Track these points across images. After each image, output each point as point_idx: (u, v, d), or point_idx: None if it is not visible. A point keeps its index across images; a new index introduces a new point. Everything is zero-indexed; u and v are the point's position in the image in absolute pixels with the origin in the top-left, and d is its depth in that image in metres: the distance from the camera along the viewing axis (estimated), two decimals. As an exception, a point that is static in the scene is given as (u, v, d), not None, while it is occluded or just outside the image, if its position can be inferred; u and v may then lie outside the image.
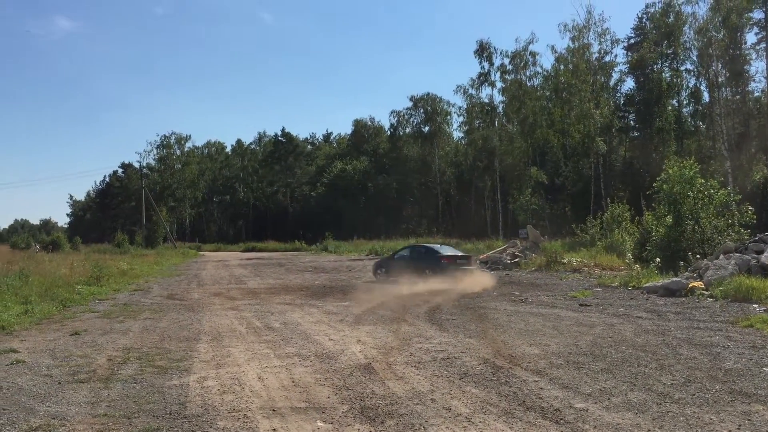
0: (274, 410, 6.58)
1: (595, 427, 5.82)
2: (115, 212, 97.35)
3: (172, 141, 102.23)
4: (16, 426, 6.18)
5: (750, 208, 22.73)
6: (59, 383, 7.98)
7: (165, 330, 12.47)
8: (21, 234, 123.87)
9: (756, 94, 53.56)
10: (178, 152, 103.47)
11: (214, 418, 6.33)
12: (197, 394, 7.32)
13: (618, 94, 58.85)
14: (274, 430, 5.96)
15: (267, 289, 22.12)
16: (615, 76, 56.80)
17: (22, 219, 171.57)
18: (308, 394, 7.22)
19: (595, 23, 52.61)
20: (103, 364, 9.14)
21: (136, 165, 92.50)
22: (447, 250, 23.96)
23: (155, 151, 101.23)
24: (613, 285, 19.98)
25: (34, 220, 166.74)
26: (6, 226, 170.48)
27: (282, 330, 12.19)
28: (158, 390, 7.53)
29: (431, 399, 6.88)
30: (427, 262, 22.67)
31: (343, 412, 6.47)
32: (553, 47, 58.48)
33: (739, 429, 5.70)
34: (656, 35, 53.03)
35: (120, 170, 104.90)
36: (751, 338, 10.00)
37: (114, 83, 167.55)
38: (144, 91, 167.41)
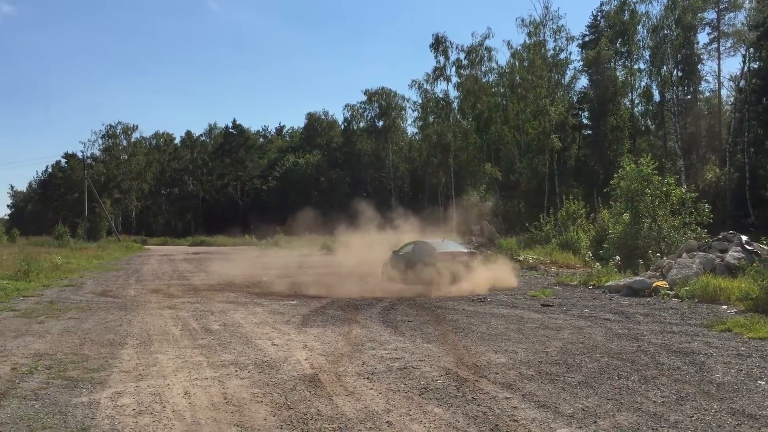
0: (197, 438, 5.45)
1: (584, 459, 4.87)
2: (58, 204, 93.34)
3: (118, 131, 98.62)
4: None
5: (707, 206, 22.40)
6: (-58, 401, 6.68)
7: (88, 332, 11.14)
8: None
9: (707, 95, 54.19)
10: (124, 143, 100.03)
11: (121, 450, 5.17)
12: (107, 415, 6.11)
13: (571, 92, 58.82)
14: (195, 465, 4.84)
15: (210, 285, 20.79)
16: (569, 73, 56.72)
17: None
18: (241, 415, 6.09)
19: (551, 19, 52.43)
20: (4, 375, 7.85)
21: (80, 155, 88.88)
22: (446, 246, 21.40)
23: (100, 141, 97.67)
24: (572, 284, 19.28)
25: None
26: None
27: (220, 333, 10.99)
28: (61, 410, 6.30)
29: (387, 422, 5.83)
30: (424, 258, 20.13)
31: (281, 440, 5.38)
32: (509, 43, 58.20)
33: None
34: (611, 33, 53.01)
35: (63, 160, 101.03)
36: (733, 344, 9.22)
37: (58, 71, 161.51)
38: (90, 79, 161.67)
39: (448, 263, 19.32)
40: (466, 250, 21.61)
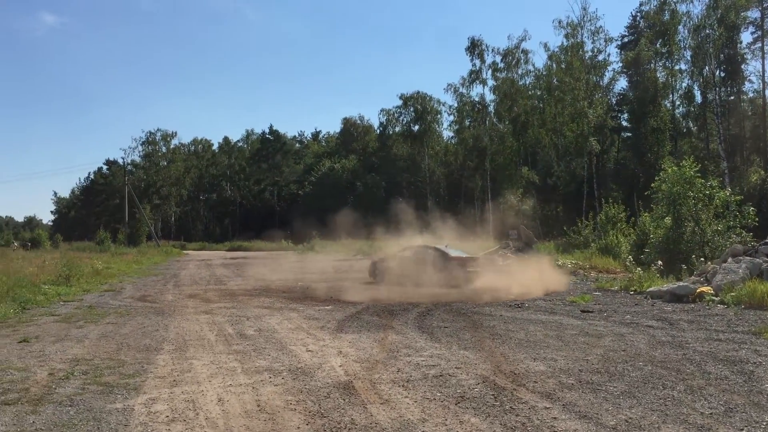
0: (229, 446, 5.38)
1: (628, 473, 4.65)
2: (99, 210, 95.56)
3: (157, 138, 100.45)
4: None
5: (752, 209, 21.79)
6: (-19, 405, 6.73)
7: (125, 337, 11.21)
8: (4, 232, 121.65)
9: (750, 95, 52.85)
10: (163, 149, 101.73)
11: (153, 458, 5.12)
12: (140, 422, 6.08)
13: (610, 94, 57.90)
14: (226, 475, 4.75)
15: (247, 290, 20.87)
16: (608, 75, 55.88)
17: (6, 216, 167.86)
18: (274, 423, 6.00)
19: (589, 20, 51.76)
20: (42, 380, 7.89)
21: (121, 162, 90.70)
22: (455, 252, 21.84)
23: (140, 147, 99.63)
24: (612, 289, 18.86)
25: (19, 218, 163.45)
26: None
27: (255, 338, 10.95)
28: (95, 416, 6.29)
29: (422, 432, 5.69)
30: (433, 263, 20.61)
31: (314, 450, 5.28)
32: (546, 45, 57.56)
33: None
34: (650, 33, 52.08)
35: (104, 167, 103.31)
36: (783, 353, 8.86)
37: (100, 79, 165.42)
38: (130, 87, 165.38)
39: (460, 267, 20.21)
40: (466, 256, 21.68)
